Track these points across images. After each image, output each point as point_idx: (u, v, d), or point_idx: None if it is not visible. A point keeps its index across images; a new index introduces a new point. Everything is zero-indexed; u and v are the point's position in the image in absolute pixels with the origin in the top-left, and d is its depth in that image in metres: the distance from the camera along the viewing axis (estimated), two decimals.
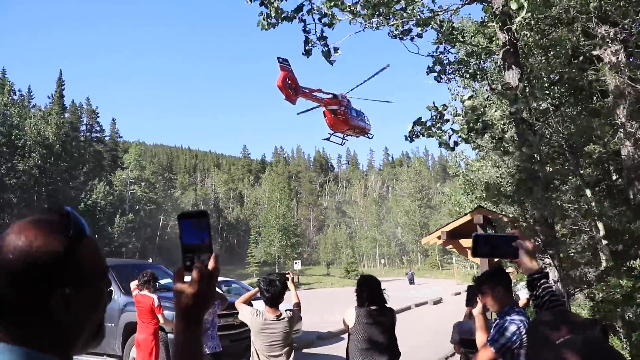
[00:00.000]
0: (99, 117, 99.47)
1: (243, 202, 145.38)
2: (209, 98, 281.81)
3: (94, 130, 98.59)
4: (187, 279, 1.33)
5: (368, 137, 23.94)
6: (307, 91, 20.09)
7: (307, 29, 10.55)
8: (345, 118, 21.59)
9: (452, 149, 10.44)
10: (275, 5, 10.15)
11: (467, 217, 14.33)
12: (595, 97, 10.66)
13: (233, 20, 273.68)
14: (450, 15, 11.72)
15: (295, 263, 67.39)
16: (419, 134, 11.08)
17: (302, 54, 10.85)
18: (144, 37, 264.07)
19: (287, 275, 5.74)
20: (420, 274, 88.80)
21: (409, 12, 10.98)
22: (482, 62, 12.65)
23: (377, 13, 10.68)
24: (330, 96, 21.52)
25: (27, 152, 57.89)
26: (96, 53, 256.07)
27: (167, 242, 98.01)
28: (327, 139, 23.07)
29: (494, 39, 11.32)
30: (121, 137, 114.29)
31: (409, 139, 11.18)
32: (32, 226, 1.07)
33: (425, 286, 57.99)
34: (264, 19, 10.27)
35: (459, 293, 47.57)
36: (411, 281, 63.06)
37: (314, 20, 10.51)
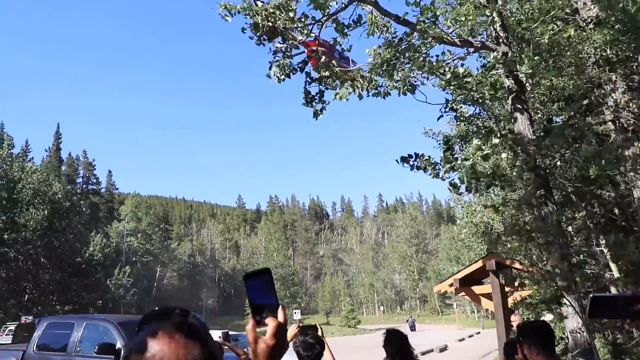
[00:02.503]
0: (95, 169, 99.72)
1: (239, 252, 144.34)
2: (202, 148, 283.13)
3: (90, 182, 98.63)
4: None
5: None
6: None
7: (309, 79, 10.84)
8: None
9: (460, 193, 10.55)
10: (285, 59, 10.43)
11: (479, 264, 14.34)
12: (603, 141, 10.86)
13: (225, 68, 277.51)
14: (456, 64, 12.02)
15: (295, 313, 66.38)
16: (419, 167, 11.08)
17: (304, 104, 11.12)
18: (138, 86, 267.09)
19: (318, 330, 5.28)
20: (421, 320, 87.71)
21: (414, 64, 11.22)
22: (487, 110, 12.94)
23: (384, 73, 10.90)
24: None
25: (26, 206, 57.64)
26: (92, 103, 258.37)
27: (164, 294, 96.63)
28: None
29: (499, 86, 11.60)
30: (117, 188, 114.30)
31: (401, 162, 11.07)
32: (178, 334, 1.19)
33: (428, 333, 57.20)
34: (273, 71, 10.50)
35: (463, 339, 46.93)
36: (412, 328, 62.23)
37: (318, 72, 10.80)
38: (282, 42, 10.15)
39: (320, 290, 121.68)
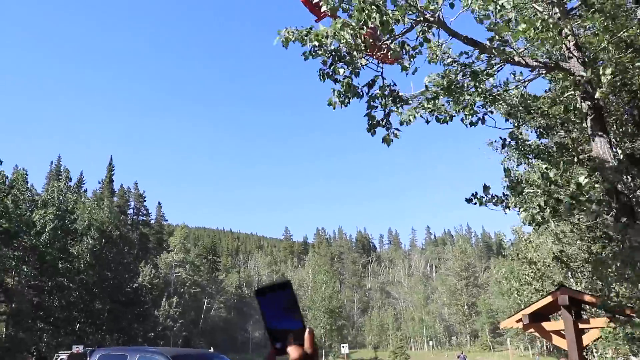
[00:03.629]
0: (145, 200, 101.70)
1: None
2: (249, 180, 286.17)
3: (140, 213, 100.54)
4: None
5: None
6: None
7: (372, 104, 10.42)
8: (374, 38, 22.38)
9: (538, 226, 9.88)
10: (346, 81, 10.08)
11: (549, 299, 13.45)
12: None
13: (275, 99, 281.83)
14: (524, 88, 11.46)
15: (343, 347, 65.24)
16: (484, 202, 10.58)
17: (367, 130, 10.67)
18: (187, 117, 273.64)
19: None
20: (471, 356, 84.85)
21: (479, 91, 10.72)
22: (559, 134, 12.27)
23: (451, 94, 10.50)
24: None
25: (79, 237, 59.03)
26: (144, 134, 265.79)
27: (211, 325, 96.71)
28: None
29: (572, 108, 10.95)
30: (166, 220, 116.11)
31: (470, 201, 10.69)
32: None
33: None
34: (336, 97, 10.17)
35: None
36: None
37: (384, 97, 10.36)
38: (345, 66, 9.81)
39: (367, 323, 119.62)
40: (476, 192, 10.25)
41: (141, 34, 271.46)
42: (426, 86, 10.26)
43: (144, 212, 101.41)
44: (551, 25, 10.23)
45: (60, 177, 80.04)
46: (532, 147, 11.51)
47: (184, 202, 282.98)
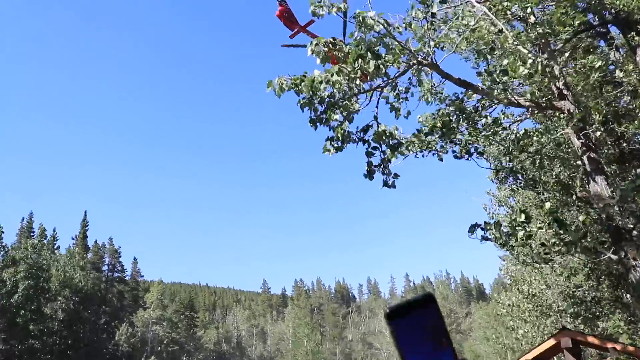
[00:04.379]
0: (121, 256, 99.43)
1: (266, 339, 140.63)
2: (224, 233, 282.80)
3: (115, 270, 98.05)
4: None
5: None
6: (304, 25, 20.85)
7: (370, 152, 10.30)
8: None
9: (546, 262, 9.73)
10: (341, 128, 9.96)
11: (552, 342, 13.13)
12: None
13: (249, 148, 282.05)
14: (516, 125, 11.52)
15: None
16: (488, 237, 10.43)
17: (364, 175, 10.49)
18: (160, 169, 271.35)
19: None
20: None
21: (472, 132, 10.72)
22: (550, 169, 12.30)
23: (443, 139, 10.48)
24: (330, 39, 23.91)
25: (53, 295, 57.14)
26: (118, 188, 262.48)
27: None
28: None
29: (563, 145, 11.01)
30: (142, 276, 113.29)
31: (469, 233, 10.52)
32: None
33: None
34: (330, 144, 10.05)
35: None
36: None
37: (379, 144, 10.25)
38: (339, 112, 9.70)
39: None
40: (476, 223, 10.05)
41: (113, 86, 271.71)
42: (418, 130, 10.20)
43: (119, 268, 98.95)
44: (540, 67, 10.35)
45: (32, 234, 78.05)
46: (527, 179, 11.54)
47: (159, 257, 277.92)
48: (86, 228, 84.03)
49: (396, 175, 9.92)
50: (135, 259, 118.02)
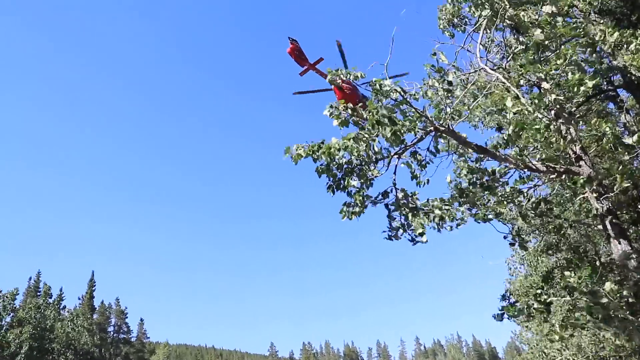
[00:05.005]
0: (127, 317, 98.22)
1: None
2: (233, 294, 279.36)
3: (121, 330, 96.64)
4: None
5: None
6: (313, 63, 23.52)
7: (391, 216, 10.21)
8: (353, 93, 23.57)
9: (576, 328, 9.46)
10: (361, 195, 9.92)
11: None
12: None
13: (257, 209, 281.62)
14: (534, 190, 11.46)
15: None
16: (515, 315, 10.19)
17: (386, 239, 10.36)
18: (167, 229, 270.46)
19: None
20: None
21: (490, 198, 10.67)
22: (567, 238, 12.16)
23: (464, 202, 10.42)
24: None
25: (56, 356, 56.02)
26: (127, 246, 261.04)
27: None
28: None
29: (584, 207, 10.91)
30: (148, 337, 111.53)
31: (500, 319, 10.28)
32: None
33: None
34: (346, 208, 10.00)
35: None
36: None
37: (400, 208, 10.16)
38: (357, 178, 9.70)
39: None
40: (502, 307, 9.85)
41: (123, 145, 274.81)
42: (442, 199, 10.11)
43: (125, 329, 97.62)
44: (553, 130, 10.39)
45: (39, 293, 77.36)
46: (546, 246, 11.38)
47: (166, 317, 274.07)
48: (93, 288, 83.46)
49: (419, 233, 9.77)
50: (141, 319, 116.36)
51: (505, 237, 11.21)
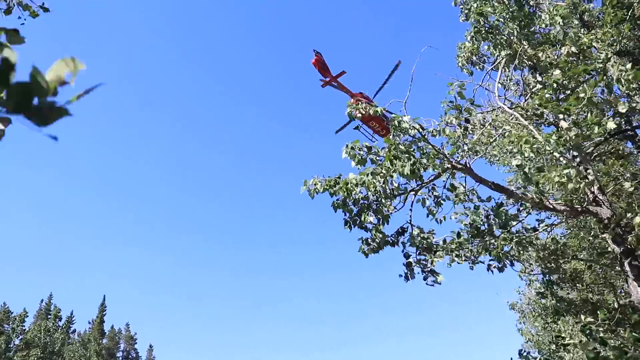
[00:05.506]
0: (136, 342, 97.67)
1: None
2: (244, 323, 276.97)
3: (130, 356, 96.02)
4: None
5: None
6: (335, 75, 24.75)
7: (408, 254, 10.21)
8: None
9: None
10: (380, 233, 9.94)
11: None
12: None
13: (278, 238, 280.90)
14: (550, 232, 11.40)
15: None
16: None
17: (400, 276, 10.34)
18: (180, 253, 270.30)
19: None
20: None
21: (506, 237, 10.63)
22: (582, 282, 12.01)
23: (480, 243, 10.40)
24: (358, 92, 25.77)
25: None
26: (140, 278, 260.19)
27: None
28: (356, 128, 27.46)
29: (601, 248, 10.81)
30: None
31: None
32: None
33: None
34: (364, 244, 10.02)
35: None
36: None
37: (415, 245, 10.17)
38: (374, 214, 9.75)
39: None
40: None
41: (134, 165, 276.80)
42: (458, 233, 10.09)
43: (134, 355, 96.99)
44: (574, 172, 10.36)
45: (49, 316, 77.44)
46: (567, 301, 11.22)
47: (176, 344, 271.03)
48: (104, 313, 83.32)
49: (434, 273, 9.72)
50: (150, 346, 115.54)
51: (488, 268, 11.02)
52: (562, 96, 11.58)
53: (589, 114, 10.29)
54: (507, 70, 14.13)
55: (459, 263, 10.06)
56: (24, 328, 53.28)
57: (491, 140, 10.74)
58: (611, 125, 8.88)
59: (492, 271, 10.72)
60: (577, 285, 11.57)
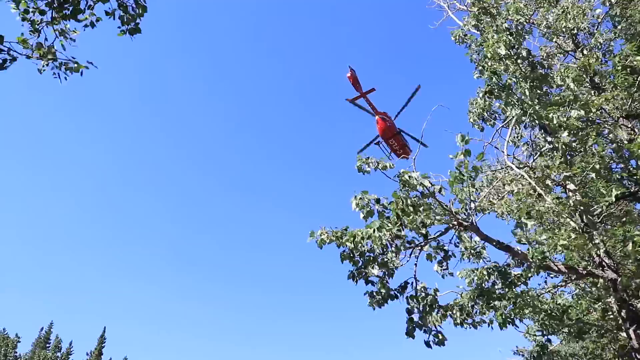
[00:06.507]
0: None
1: None
2: (248, 355, 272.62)
3: None
4: None
5: (406, 158, 28.44)
6: (365, 92, 27.47)
7: (410, 310, 10.21)
8: (392, 126, 28.09)
9: None
10: (384, 285, 10.00)
11: None
12: None
13: (285, 282, 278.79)
14: (555, 292, 11.38)
15: None
16: None
17: (406, 334, 10.26)
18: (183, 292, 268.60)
19: None
20: None
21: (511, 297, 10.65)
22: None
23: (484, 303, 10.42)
24: (383, 112, 28.46)
25: None
26: (140, 312, 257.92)
27: None
28: (377, 144, 28.87)
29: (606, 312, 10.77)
30: None
31: None
32: None
33: None
34: (370, 299, 10.05)
35: None
36: None
37: (419, 301, 10.17)
38: (380, 267, 9.81)
39: None
40: None
41: (140, 197, 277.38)
42: (461, 302, 10.12)
43: None
44: (579, 235, 10.42)
45: (48, 345, 76.83)
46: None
47: None
48: (102, 345, 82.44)
49: (438, 335, 9.66)
50: None
51: None
52: (570, 158, 11.72)
53: (596, 178, 10.41)
54: (517, 127, 14.33)
55: (463, 327, 10.04)
56: (16, 354, 52.85)
57: (498, 198, 10.85)
58: (615, 192, 8.99)
59: (492, 327, 10.68)
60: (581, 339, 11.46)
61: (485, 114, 14.77)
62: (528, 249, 9.42)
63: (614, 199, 9.34)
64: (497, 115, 14.76)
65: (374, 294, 9.77)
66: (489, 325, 10.71)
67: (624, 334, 10.26)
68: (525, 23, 14.69)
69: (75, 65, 7.78)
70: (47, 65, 7.49)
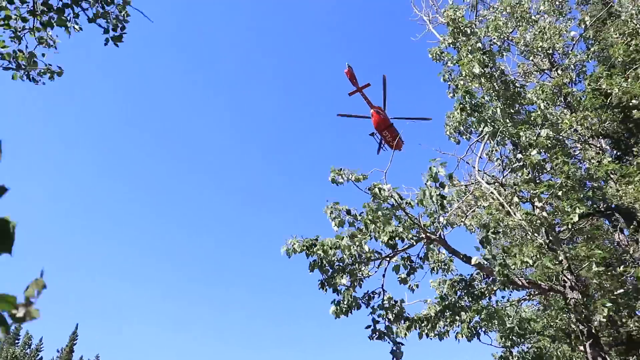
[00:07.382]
0: None
1: None
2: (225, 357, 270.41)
3: None
4: None
5: (399, 150, 29.86)
6: (361, 87, 28.99)
7: (376, 320, 10.44)
8: (386, 119, 29.49)
9: None
10: (348, 293, 10.19)
11: None
12: None
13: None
14: (519, 306, 11.69)
15: None
16: None
17: (369, 337, 10.52)
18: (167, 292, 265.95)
19: None
20: None
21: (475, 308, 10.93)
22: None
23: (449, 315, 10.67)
24: (377, 106, 29.94)
25: None
26: (114, 309, 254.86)
27: None
28: (372, 134, 30.17)
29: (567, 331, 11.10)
30: None
31: None
32: None
33: None
34: (335, 307, 10.24)
35: None
36: None
37: (385, 311, 10.41)
38: (347, 276, 10.02)
39: None
40: None
41: (128, 194, 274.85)
42: (427, 314, 10.38)
43: None
44: (543, 252, 10.74)
45: (17, 341, 75.77)
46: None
47: None
48: (74, 342, 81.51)
49: (399, 347, 9.90)
50: None
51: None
52: (539, 175, 12.07)
53: (562, 196, 10.74)
54: (491, 142, 14.68)
55: (429, 337, 10.29)
56: None
57: (467, 213, 11.14)
58: (579, 211, 9.32)
59: (459, 340, 10.96)
60: None
61: (461, 127, 15.09)
62: (492, 264, 9.69)
63: (577, 218, 9.67)
64: (472, 129, 15.09)
65: (340, 302, 9.96)
66: (455, 337, 10.99)
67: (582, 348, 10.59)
68: (501, 42, 15.07)
69: (59, 70, 7.90)
70: (26, 73, 7.58)
